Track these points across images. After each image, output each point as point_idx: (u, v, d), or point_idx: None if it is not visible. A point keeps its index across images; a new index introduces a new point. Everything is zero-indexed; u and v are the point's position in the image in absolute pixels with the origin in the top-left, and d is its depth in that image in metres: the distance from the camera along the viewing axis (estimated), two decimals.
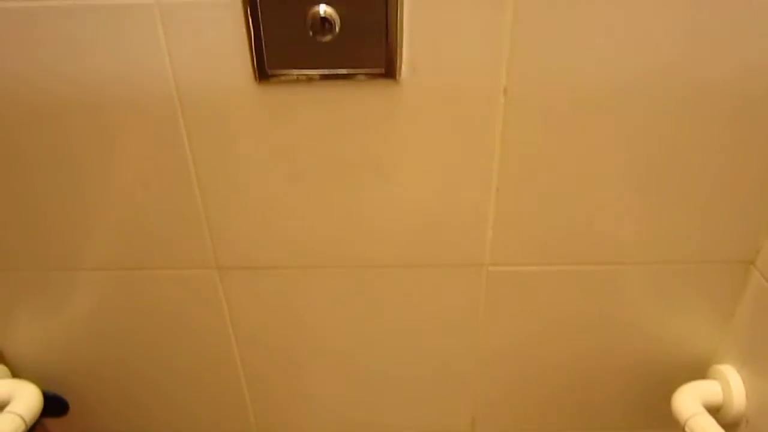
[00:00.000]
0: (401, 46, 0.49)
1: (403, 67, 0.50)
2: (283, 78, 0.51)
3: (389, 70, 0.50)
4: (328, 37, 0.48)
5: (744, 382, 0.64)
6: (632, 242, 0.60)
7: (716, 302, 0.65)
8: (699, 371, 0.69)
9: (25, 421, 0.67)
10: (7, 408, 0.67)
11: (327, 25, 0.48)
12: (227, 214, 0.59)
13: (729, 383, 0.64)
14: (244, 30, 0.49)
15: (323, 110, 0.53)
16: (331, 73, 0.51)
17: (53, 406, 0.76)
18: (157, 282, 0.65)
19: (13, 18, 0.49)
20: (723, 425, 0.61)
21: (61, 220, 0.61)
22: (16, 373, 0.73)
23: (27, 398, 0.69)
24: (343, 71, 0.50)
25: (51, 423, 0.80)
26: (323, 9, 0.47)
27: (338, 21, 0.48)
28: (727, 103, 0.52)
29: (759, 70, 0.51)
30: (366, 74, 0.51)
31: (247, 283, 0.64)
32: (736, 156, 0.55)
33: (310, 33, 0.48)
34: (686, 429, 0.62)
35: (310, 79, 0.51)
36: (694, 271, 0.63)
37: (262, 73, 0.51)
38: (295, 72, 0.51)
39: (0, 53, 0.51)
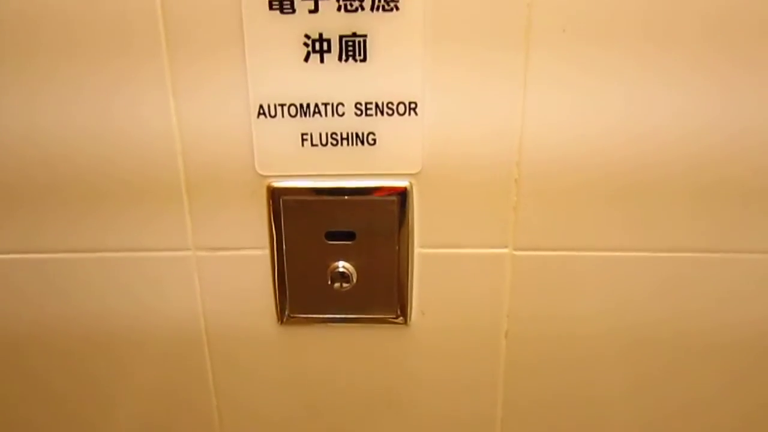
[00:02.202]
0: (411, 295, 0.55)
1: (413, 312, 0.55)
2: (303, 320, 0.56)
3: (401, 315, 0.55)
4: (345, 287, 0.54)
5: None
6: None
7: None
8: None
9: None
10: None
11: (344, 277, 0.53)
12: None
13: None
14: (270, 279, 0.54)
15: (339, 349, 0.57)
16: (347, 317, 0.56)
17: None
18: None
19: (62, 266, 0.55)
20: None
21: None
22: None
23: None
24: (358, 316, 0.55)
25: None
26: (342, 265, 0.53)
27: (355, 274, 0.53)
28: (725, 352, 0.56)
29: (747, 333, 0.55)
30: (379, 319, 0.55)
31: None
32: (736, 399, 0.58)
33: (329, 283, 0.54)
34: None
35: (327, 321, 0.56)
36: None
37: (284, 316, 0.56)
38: (314, 316, 0.56)
39: (44, 298, 0.57)
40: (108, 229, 0.54)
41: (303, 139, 0.49)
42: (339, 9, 0.45)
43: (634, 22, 0.45)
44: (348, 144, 0.50)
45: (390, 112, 0.48)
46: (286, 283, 0.54)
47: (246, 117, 0.49)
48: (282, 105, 0.48)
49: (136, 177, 0.51)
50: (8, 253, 0.55)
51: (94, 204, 0.53)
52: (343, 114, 0.49)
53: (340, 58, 0.47)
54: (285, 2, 0.45)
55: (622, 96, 0.47)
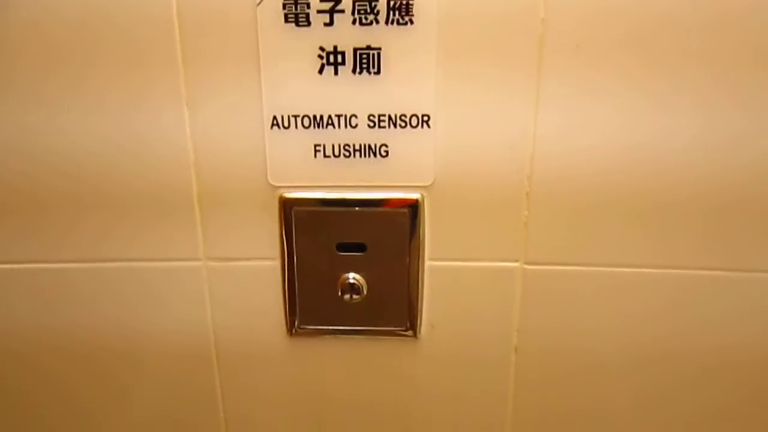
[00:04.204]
0: (421, 308, 0.55)
1: (423, 325, 0.55)
2: (312, 333, 0.56)
3: (410, 328, 0.55)
4: (355, 299, 0.54)
5: None
6: None
7: None
8: None
9: None
10: None
11: (355, 289, 0.53)
12: None
13: None
14: (281, 291, 0.55)
15: (348, 362, 0.57)
16: (356, 329, 0.56)
17: None
18: None
19: (70, 276, 0.55)
20: None
21: None
22: None
23: None
24: (368, 328, 0.55)
25: None
26: (352, 276, 0.53)
27: (365, 286, 0.53)
28: (733, 368, 0.56)
29: (754, 347, 0.55)
30: (389, 331, 0.55)
31: None
32: (744, 414, 0.58)
33: (340, 294, 0.54)
34: None
35: (337, 333, 0.56)
36: None
37: (294, 327, 0.56)
38: (324, 327, 0.56)
39: (57, 307, 0.57)
40: (118, 239, 0.54)
41: (316, 151, 0.50)
42: (354, 22, 0.46)
43: (653, 37, 0.45)
44: (360, 156, 0.50)
45: (403, 124, 0.49)
46: (297, 294, 0.54)
47: (259, 128, 0.49)
48: (296, 116, 0.49)
49: (148, 186, 0.52)
50: (15, 263, 0.55)
51: (104, 213, 0.53)
52: (356, 126, 0.49)
53: (354, 71, 0.47)
54: (300, 15, 0.45)
55: (636, 115, 0.48)
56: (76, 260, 0.55)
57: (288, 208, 0.52)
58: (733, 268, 0.52)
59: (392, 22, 0.46)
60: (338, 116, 0.49)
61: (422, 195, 0.51)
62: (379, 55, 0.46)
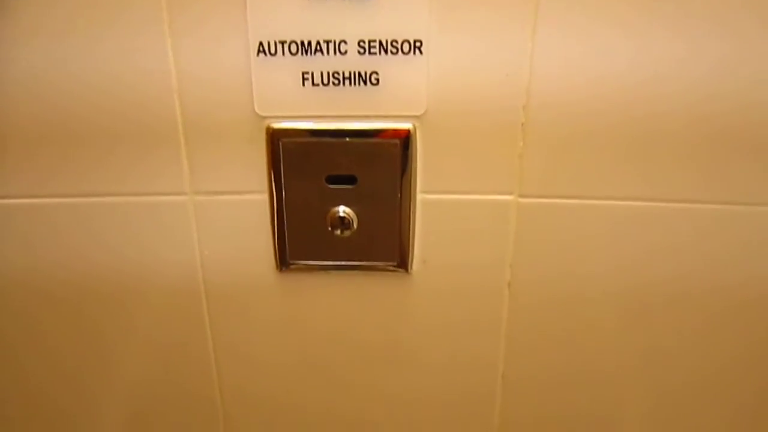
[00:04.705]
0: (413, 243, 0.53)
1: (414, 260, 0.54)
2: (302, 267, 0.55)
3: (402, 263, 0.54)
4: (345, 233, 0.53)
5: None
6: None
7: None
8: None
9: None
10: None
11: (345, 222, 0.52)
12: (242, 393, 0.61)
13: None
14: (269, 225, 0.53)
15: (339, 297, 0.56)
16: (347, 264, 0.54)
17: None
18: None
19: (50, 212, 0.54)
20: None
21: (72, 397, 0.63)
22: None
23: None
24: (359, 263, 0.54)
25: None
26: (342, 210, 0.52)
27: (356, 220, 0.52)
28: (728, 308, 0.55)
29: (750, 286, 0.54)
30: (380, 266, 0.54)
31: None
32: (742, 360, 0.57)
33: (330, 229, 0.53)
34: None
35: (327, 269, 0.55)
36: None
37: (284, 262, 0.55)
38: (314, 263, 0.55)
39: (40, 244, 0.55)
40: (100, 172, 0.52)
41: (304, 79, 0.48)
42: None
43: None
44: (350, 84, 0.48)
45: (394, 51, 0.47)
46: (286, 228, 0.53)
47: (245, 56, 0.47)
48: (282, 42, 0.47)
49: (131, 117, 0.50)
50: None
51: (84, 147, 0.51)
52: (346, 52, 0.47)
53: None
54: None
55: (633, 41, 0.46)
56: (58, 196, 0.53)
57: (276, 139, 0.50)
58: (734, 201, 0.51)
59: None
60: (327, 42, 0.47)
61: (414, 125, 0.49)
62: None
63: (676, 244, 0.53)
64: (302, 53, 0.47)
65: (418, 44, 0.47)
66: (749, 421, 0.60)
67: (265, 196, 0.52)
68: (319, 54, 0.47)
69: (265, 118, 0.50)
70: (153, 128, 0.50)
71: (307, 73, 0.48)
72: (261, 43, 0.47)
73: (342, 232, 0.52)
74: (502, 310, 0.56)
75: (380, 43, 0.47)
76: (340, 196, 0.52)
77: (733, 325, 0.56)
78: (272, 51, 0.47)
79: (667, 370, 0.58)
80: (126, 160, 0.52)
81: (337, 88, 0.48)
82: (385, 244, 0.53)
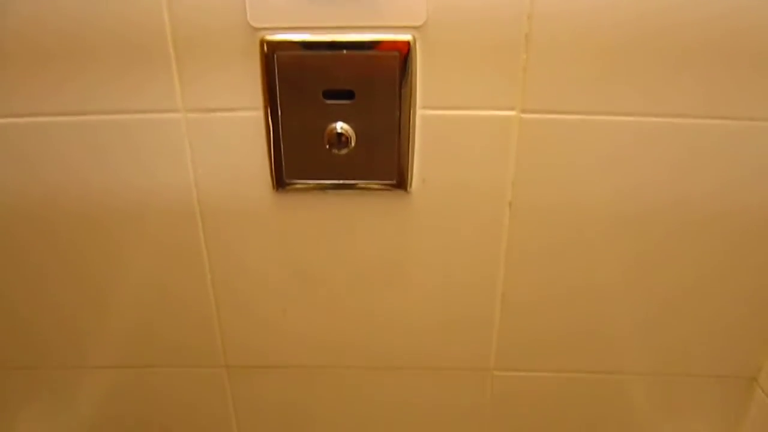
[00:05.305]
0: (412, 161, 0.52)
1: (413, 179, 0.53)
2: (299, 187, 0.54)
3: (400, 182, 0.53)
4: (343, 151, 0.51)
5: None
6: (635, 353, 0.61)
7: (720, 418, 0.65)
8: None
9: None
10: None
11: (343, 140, 0.51)
12: (239, 315, 0.61)
13: None
14: (265, 143, 0.52)
15: (337, 217, 0.55)
16: (345, 183, 0.53)
17: None
18: (165, 380, 0.66)
19: (44, 131, 0.53)
20: None
21: (72, 318, 0.62)
22: None
23: None
24: (357, 182, 0.53)
25: None
26: (340, 126, 0.50)
27: (354, 136, 0.51)
28: (725, 230, 0.55)
29: (755, 206, 0.53)
30: (378, 185, 0.53)
31: (255, 383, 0.65)
32: (734, 278, 0.57)
33: (327, 146, 0.51)
34: None
35: (325, 188, 0.54)
36: (698, 385, 0.63)
37: (280, 182, 0.53)
38: (311, 182, 0.53)
39: (31, 164, 0.54)
40: (90, 91, 0.51)
41: None
42: None
43: None
44: None
45: None
46: (282, 146, 0.52)
47: None
48: None
49: (119, 32, 0.48)
50: None
51: (74, 64, 0.49)
52: None
53: None
54: None
55: None
56: (48, 114, 0.52)
57: (270, 52, 0.48)
58: (736, 116, 0.50)
59: None
60: None
61: (414, 37, 0.47)
62: None
63: (677, 162, 0.52)
64: None
65: None
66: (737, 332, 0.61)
67: (260, 113, 0.51)
68: None
69: (258, 29, 0.48)
70: (142, 42, 0.48)
71: None
72: None
73: (340, 149, 0.51)
74: (502, 231, 0.55)
75: None
76: (338, 111, 0.50)
77: (720, 234, 0.55)
78: None
79: (662, 286, 0.58)
80: (114, 77, 0.50)
81: None
82: (383, 162, 0.52)
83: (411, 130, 0.51)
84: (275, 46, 0.48)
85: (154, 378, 0.66)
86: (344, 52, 0.48)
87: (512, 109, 0.50)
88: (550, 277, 0.58)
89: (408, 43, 0.47)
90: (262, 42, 0.48)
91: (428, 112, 0.51)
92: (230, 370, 0.65)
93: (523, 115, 0.50)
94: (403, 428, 0.68)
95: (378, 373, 0.64)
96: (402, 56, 0.48)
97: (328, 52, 0.48)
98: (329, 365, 0.64)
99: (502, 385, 0.64)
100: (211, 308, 0.60)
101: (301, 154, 0.52)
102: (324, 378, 0.65)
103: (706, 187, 0.53)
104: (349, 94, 0.50)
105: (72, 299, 0.61)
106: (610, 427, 0.67)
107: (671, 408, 0.65)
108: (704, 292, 0.58)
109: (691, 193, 0.53)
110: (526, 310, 0.60)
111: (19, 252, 0.59)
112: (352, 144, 0.51)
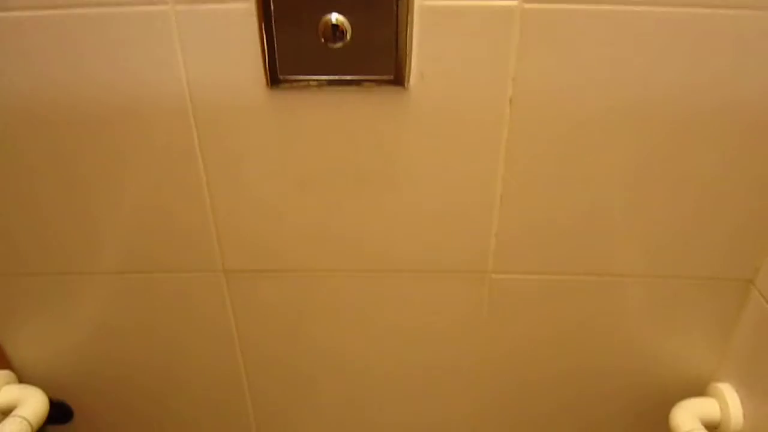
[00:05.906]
0: (410, 55, 0.51)
1: (411, 74, 0.52)
2: (294, 83, 0.52)
3: (398, 77, 0.51)
4: (339, 44, 0.50)
5: (742, 402, 0.64)
6: (633, 255, 0.61)
7: (715, 320, 0.66)
8: (698, 388, 0.70)
9: (31, 426, 0.67)
10: (14, 412, 0.68)
11: (338, 32, 0.49)
12: (235, 217, 0.61)
13: (727, 402, 0.65)
14: (257, 37, 0.50)
15: (333, 115, 0.54)
16: (341, 79, 0.52)
17: (58, 412, 0.76)
18: (163, 285, 0.66)
19: (31, 27, 0.51)
20: None
21: (70, 223, 0.62)
22: (22, 379, 0.74)
23: (34, 403, 0.70)
24: (353, 77, 0.52)
25: (54, 430, 0.80)
26: (335, 17, 0.48)
27: (349, 29, 0.49)
28: (726, 127, 0.54)
29: (753, 101, 0.52)
30: (375, 81, 0.52)
31: (253, 286, 0.66)
32: (734, 176, 0.56)
33: (322, 40, 0.50)
34: None
35: (320, 84, 0.52)
36: (694, 287, 0.63)
37: (274, 78, 0.52)
38: (306, 78, 0.52)
39: (20, 64, 0.52)
40: None
41: None
42: None
43: None
44: None
45: None
46: (275, 40, 0.50)
47: None
48: None
49: None
50: None
51: None
52: None
53: None
54: None
55: None
56: (30, 7, 0.49)
57: None
58: (745, 5, 0.48)
59: None
60: None
61: None
62: None
63: (684, 52, 0.50)
64: None
65: None
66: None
67: (252, 4, 0.49)
68: None
69: None
70: None
71: None
72: None
73: (335, 43, 0.49)
74: (502, 128, 0.54)
75: None
76: (333, 2, 0.48)
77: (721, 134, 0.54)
78: None
79: (662, 183, 0.57)
80: None
81: None
82: (380, 56, 0.51)
83: (409, 22, 0.49)
84: None
85: (153, 284, 0.66)
86: None
87: None
88: (550, 177, 0.57)
89: None
90: None
91: (427, 3, 0.49)
92: (228, 275, 0.65)
93: (525, 5, 0.48)
94: (401, 331, 0.69)
95: (376, 275, 0.64)
96: None
97: None
98: (327, 268, 0.64)
99: (499, 289, 0.64)
100: (206, 210, 0.60)
101: (295, 48, 0.50)
102: (322, 281, 0.65)
103: (712, 77, 0.51)
104: None
105: (66, 202, 0.61)
106: (607, 333, 0.67)
107: (666, 310, 0.65)
108: (704, 190, 0.58)
109: (696, 85, 0.52)
110: (524, 212, 0.59)
111: (8, 155, 0.58)
112: (348, 37, 0.49)
